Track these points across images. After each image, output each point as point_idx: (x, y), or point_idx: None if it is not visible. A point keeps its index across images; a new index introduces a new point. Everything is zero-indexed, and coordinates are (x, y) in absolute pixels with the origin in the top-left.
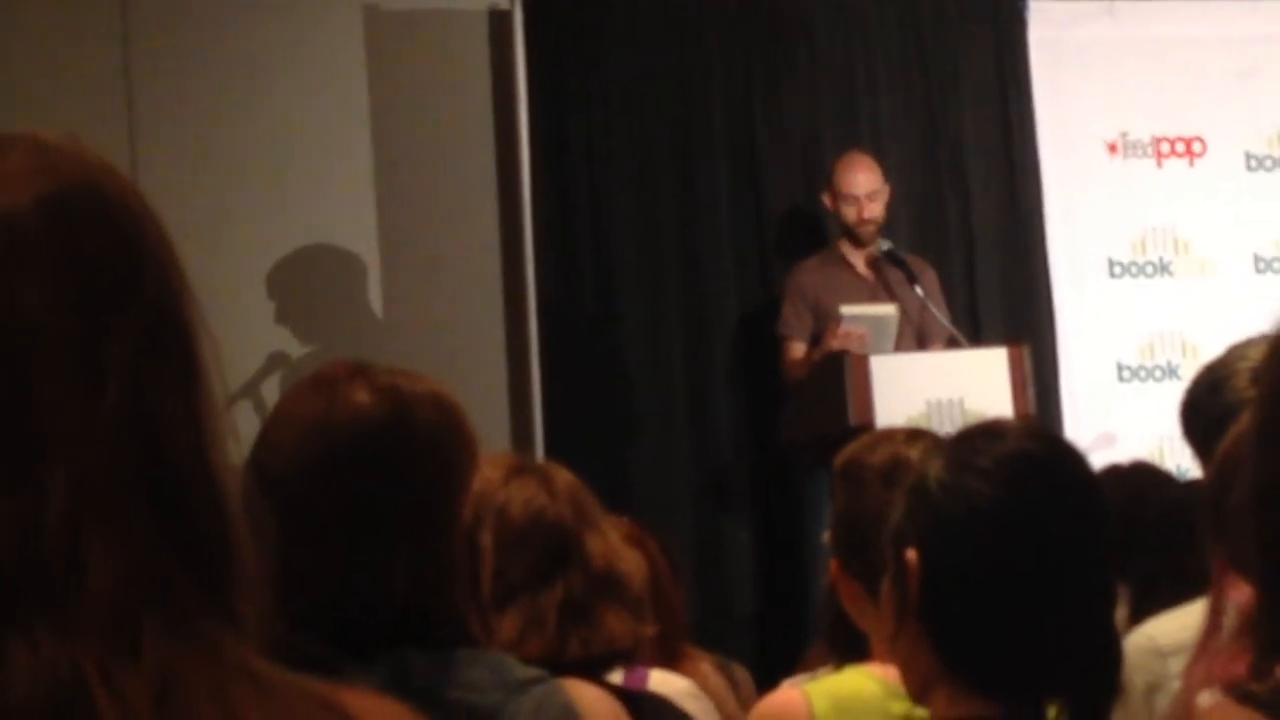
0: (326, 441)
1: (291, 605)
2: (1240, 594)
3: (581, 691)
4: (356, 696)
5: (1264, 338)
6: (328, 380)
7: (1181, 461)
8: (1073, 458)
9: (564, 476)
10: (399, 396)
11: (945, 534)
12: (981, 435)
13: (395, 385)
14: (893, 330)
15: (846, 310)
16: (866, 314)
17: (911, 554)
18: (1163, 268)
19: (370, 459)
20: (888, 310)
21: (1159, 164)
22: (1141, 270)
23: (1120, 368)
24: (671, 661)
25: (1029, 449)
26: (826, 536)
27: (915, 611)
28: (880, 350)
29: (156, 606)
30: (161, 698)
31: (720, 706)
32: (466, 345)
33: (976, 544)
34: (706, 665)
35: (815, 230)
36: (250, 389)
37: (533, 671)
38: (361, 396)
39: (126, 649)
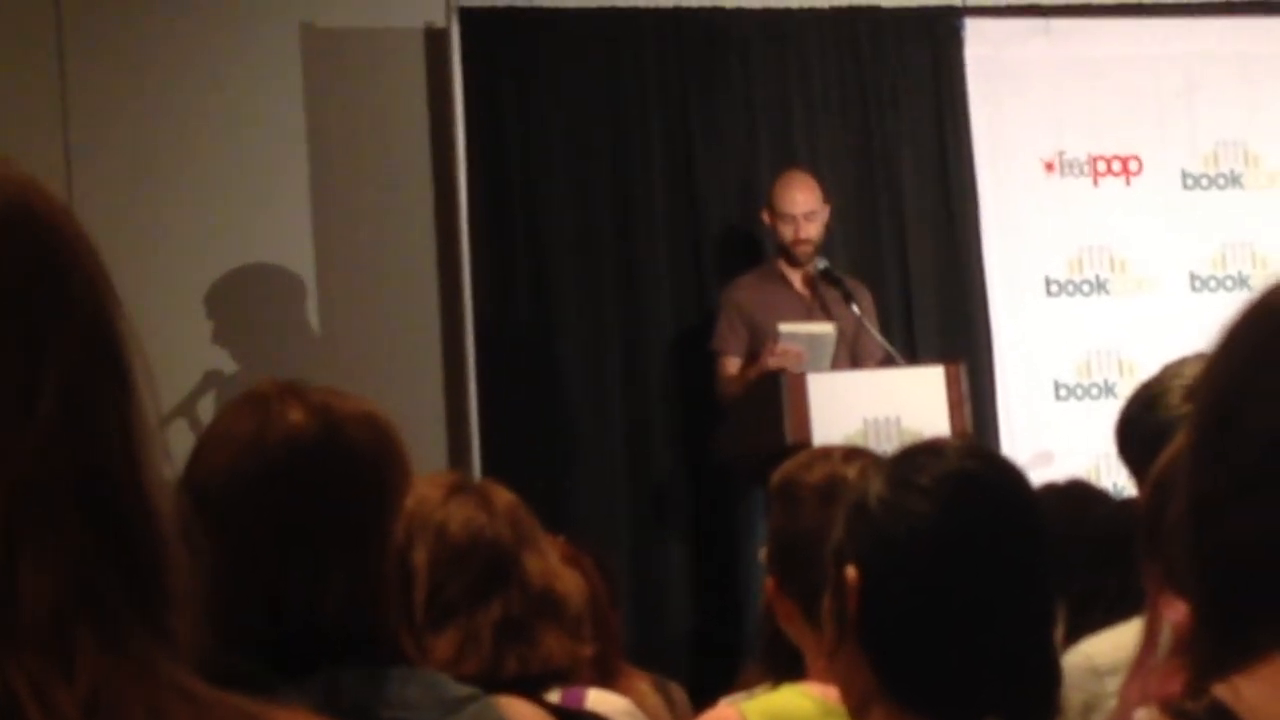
0: (259, 460)
1: (224, 624)
2: (1176, 612)
3: (516, 709)
4: (290, 716)
5: (1199, 356)
6: (260, 399)
7: (1118, 480)
8: (1013, 476)
9: (503, 496)
10: (331, 415)
11: (885, 552)
12: (922, 453)
13: (327, 404)
14: (830, 349)
15: (784, 328)
16: (804, 332)
17: (851, 571)
18: (1099, 286)
19: (302, 478)
20: (825, 329)
21: (1095, 183)
22: (1078, 288)
23: (1057, 386)
24: (608, 680)
25: (969, 468)
26: (763, 554)
27: (854, 629)
28: (817, 369)
29: (90, 623)
30: (94, 714)
31: None
32: (403, 363)
33: (916, 562)
34: (643, 684)
35: (752, 249)
36: (186, 407)
37: (467, 690)
38: (294, 415)
39: (59, 665)
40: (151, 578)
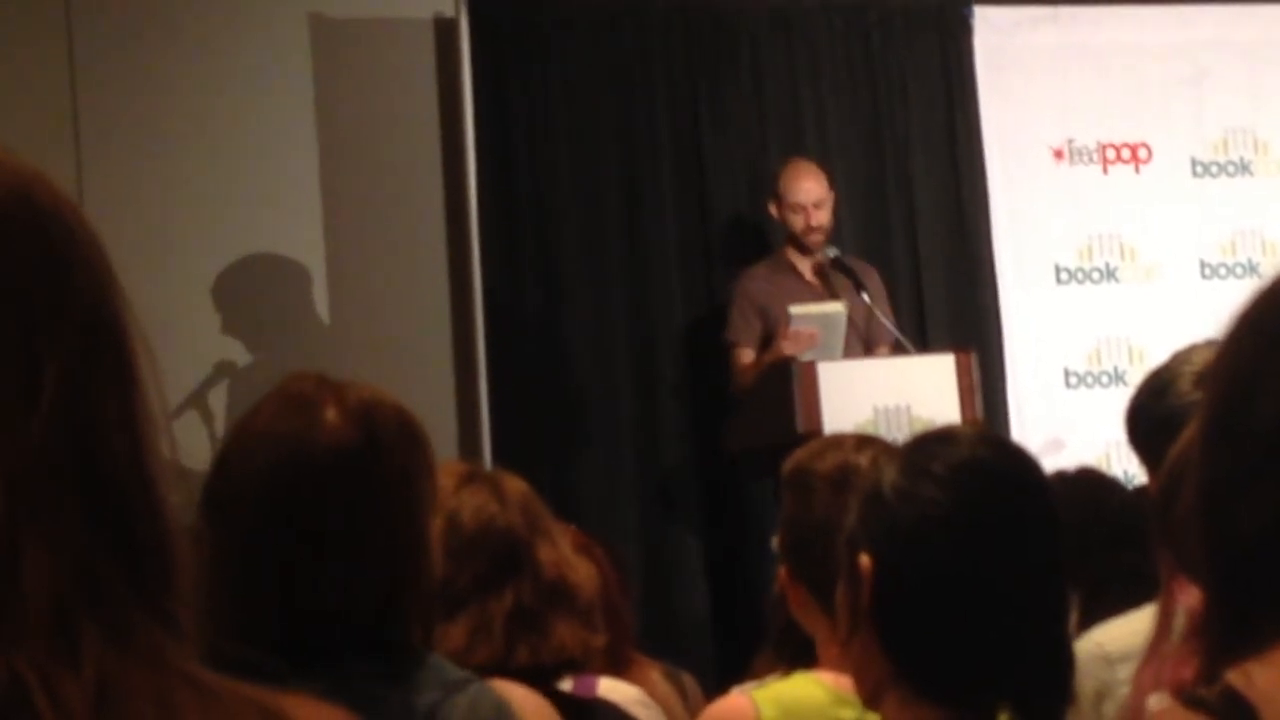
0: (302, 462)
1: (244, 617)
2: (1189, 598)
3: (511, 692)
4: (299, 703)
5: (1209, 343)
6: (300, 399)
7: (1129, 467)
8: (1026, 464)
9: (515, 485)
10: (370, 417)
11: (899, 540)
12: (936, 441)
13: (364, 404)
14: (842, 327)
15: (795, 310)
16: (814, 313)
17: (865, 560)
18: (1109, 274)
19: (344, 479)
20: (835, 308)
21: (1105, 170)
22: (1088, 276)
23: (1067, 374)
24: (620, 670)
25: (983, 455)
26: (775, 543)
27: (868, 616)
28: (830, 348)
29: (95, 613)
30: (101, 703)
31: (669, 714)
32: (414, 353)
33: (929, 550)
34: (655, 673)
35: (760, 238)
36: (197, 399)
37: (465, 673)
38: (336, 417)
39: (65, 655)
40: (156, 568)
